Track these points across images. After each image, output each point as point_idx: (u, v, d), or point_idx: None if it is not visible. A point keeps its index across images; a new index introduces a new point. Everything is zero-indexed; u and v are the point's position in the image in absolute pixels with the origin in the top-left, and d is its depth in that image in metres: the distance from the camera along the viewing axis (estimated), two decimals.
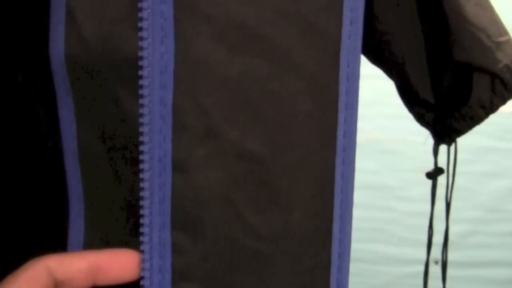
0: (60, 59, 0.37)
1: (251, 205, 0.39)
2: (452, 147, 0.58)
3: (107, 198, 0.39)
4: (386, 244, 1.52)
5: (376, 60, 0.55)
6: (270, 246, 0.39)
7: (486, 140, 1.45)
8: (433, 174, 0.59)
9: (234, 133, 0.38)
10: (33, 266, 0.35)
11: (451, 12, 0.52)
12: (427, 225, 0.61)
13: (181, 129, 0.37)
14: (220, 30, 0.37)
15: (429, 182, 0.59)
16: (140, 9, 0.36)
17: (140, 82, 0.36)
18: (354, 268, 0.43)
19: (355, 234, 0.43)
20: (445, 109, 0.55)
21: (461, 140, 0.57)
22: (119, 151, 0.38)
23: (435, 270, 0.63)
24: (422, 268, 0.62)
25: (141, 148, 0.37)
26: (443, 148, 0.58)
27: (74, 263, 0.36)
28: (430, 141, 0.58)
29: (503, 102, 0.54)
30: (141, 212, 0.37)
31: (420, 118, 0.57)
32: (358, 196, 0.44)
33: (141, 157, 0.37)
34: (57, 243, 0.40)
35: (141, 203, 0.37)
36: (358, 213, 0.44)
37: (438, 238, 0.62)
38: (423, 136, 0.58)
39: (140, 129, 0.36)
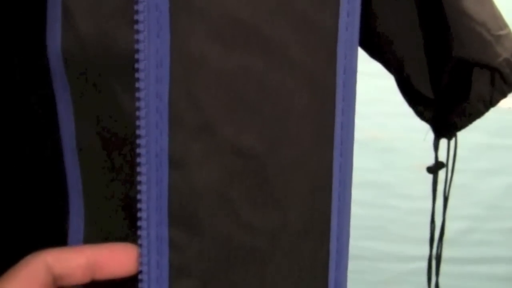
0: (57, 55, 0.37)
1: (247, 201, 0.39)
2: (452, 142, 0.58)
3: (106, 195, 0.39)
4: (386, 241, 1.52)
5: (375, 55, 0.55)
6: (267, 242, 0.39)
7: (486, 137, 1.45)
8: (434, 168, 0.58)
9: (229, 129, 0.38)
10: (32, 261, 0.35)
11: (450, 6, 0.51)
12: (427, 222, 0.60)
13: (177, 124, 0.37)
14: (216, 25, 0.37)
15: (429, 180, 0.59)
16: (136, 2, 0.36)
17: (137, 75, 0.36)
18: (353, 265, 0.43)
19: (354, 232, 0.43)
20: (445, 104, 0.55)
21: (461, 137, 0.57)
22: (117, 147, 0.38)
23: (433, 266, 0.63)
24: (422, 265, 0.62)
25: (138, 141, 0.37)
26: (443, 144, 0.57)
27: (73, 258, 0.35)
28: (430, 138, 0.58)
29: (503, 96, 0.54)
30: (139, 206, 0.37)
31: (420, 114, 0.57)
32: (358, 194, 0.44)
33: (138, 150, 0.37)
34: (57, 241, 0.39)
35: (138, 197, 0.37)
36: (358, 211, 0.44)
37: (437, 234, 0.61)
38: (423, 134, 0.58)
39: (137, 123, 0.36)
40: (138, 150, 0.37)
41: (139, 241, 0.37)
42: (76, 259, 0.35)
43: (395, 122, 1.45)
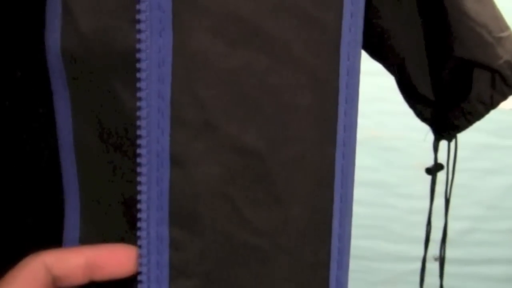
0: (56, 53, 0.37)
1: (249, 200, 0.38)
2: (452, 143, 0.58)
3: (104, 193, 0.39)
4: (386, 241, 1.52)
5: (376, 55, 0.55)
6: (268, 242, 0.39)
7: (486, 137, 1.45)
8: (433, 170, 0.58)
9: (232, 128, 0.37)
10: (31, 263, 0.35)
11: (452, 7, 0.51)
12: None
13: (179, 123, 0.37)
14: (219, 23, 0.37)
15: (429, 179, 0.59)
16: (138, 1, 0.35)
17: (138, 75, 0.36)
18: (353, 264, 0.43)
19: (354, 231, 0.43)
20: (445, 105, 0.55)
21: (461, 137, 0.57)
22: (116, 146, 0.38)
23: (434, 267, 0.63)
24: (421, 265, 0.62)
25: (138, 142, 0.36)
26: (443, 144, 0.57)
27: (72, 259, 0.35)
28: (430, 137, 0.58)
29: (504, 98, 0.54)
30: (139, 206, 0.37)
31: (420, 114, 0.57)
32: (358, 193, 0.44)
33: (138, 151, 0.36)
34: (53, 238, 0.39)
35: (138, 197, 0.37)
36: (357, 210, 0.44)
37: (437, 235, 0.61)
38: (423, 133, 0.58)
39: (138, 123, 0.36)
40: (138, 151, 0.36)
41: (139, 242, 0.37)
42: (75, 260, 0.35)
43: (395, 121, 1.45)
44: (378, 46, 0.53)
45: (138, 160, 0.36)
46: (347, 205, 0.41)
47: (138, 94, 0.36)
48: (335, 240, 0.41)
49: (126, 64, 0.36)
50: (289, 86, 0.38)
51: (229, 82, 0.37)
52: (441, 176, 0.59)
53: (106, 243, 0.37)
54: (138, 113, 0.36)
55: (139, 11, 0.35)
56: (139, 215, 0.37)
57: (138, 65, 0.36)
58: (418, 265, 0.63)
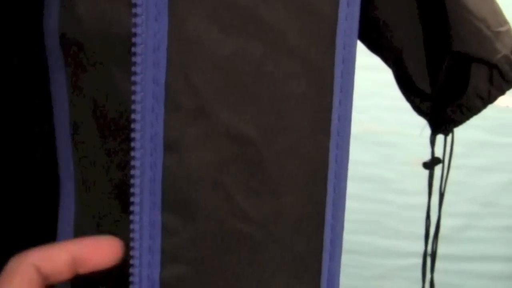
0: (54, 36, 0.37)
1: (241, 188, 0.38)
2: (449, 138, 0.58)
3: (99, 177, 0.39)
4: (381, 236, 1.52)
5: (374, 47, 0.55)
6: (261, 230, 0.39)
7: (482, 134, 1.45)
8: (430, 164, 0.58)
9: (225, 114, 0.37)
10: (21, 265, 0.34)
11: (450, 1, 0.51)
12: (422, 217, 0.60)
13: (173, 109, 0.37)
14: (214, 10, 0.36)
15: (425, 175, 0.59)
16: None
17: (133, 59, 0.36)
18: (348, 259, 0.43)
19: (349, 226, 0.43)
20: (442, 99, 0.55)
21: (457, 134, 0.57)
22: (111, 130, 0.38)
23: (428, 262, 0.63)
24: (416, 260, 0.62)
25: (132, 126, 0.36)
26: (439, 140, 0.57)
27: (58, 256, 0.35)
28: (426, 133, 0.57)
29: (501, 93, 0.54)
30: (132, 190, 0.37)
31: (417, 108, 0.56)
32: (353, 188, 0.44)
33: (132, 135, 0.36)
34: (48, 222, 0.39)
35: (131, 181, 0.37)
36: (353, 205, 0.44)
37: (431, 230, 0.61)
38: (420, 129, 0.58)
39: (132, 107, 0.36)
40: (132, 135, 0.36)
41: (131, 226, 0.37)
42: (62, 256, 0.35)
43: (392, 116, 1.44)
44: (376, 39, 0.53)
45: (132, 144, 0.36)
46: (341, 196, 0.41)
47: (133, 78, 0.36)
48: (328, 230, 0.41)
49: (123, 49, 0.36)
50: (283, 74, 0.38)
51: (223, 68, 0.37)
52: (436, 172, 0.59)
53: (89, 236, 0.37)
54: (132, 97, 0.36)
55: None
56: (132, 199, 0.37)
57: (133, 49, 0.36)
58: (413, 260, 0.63)
